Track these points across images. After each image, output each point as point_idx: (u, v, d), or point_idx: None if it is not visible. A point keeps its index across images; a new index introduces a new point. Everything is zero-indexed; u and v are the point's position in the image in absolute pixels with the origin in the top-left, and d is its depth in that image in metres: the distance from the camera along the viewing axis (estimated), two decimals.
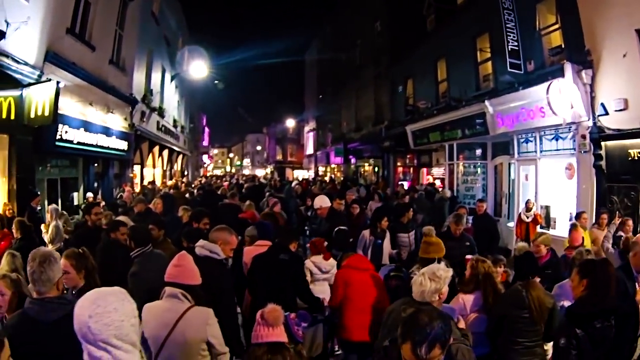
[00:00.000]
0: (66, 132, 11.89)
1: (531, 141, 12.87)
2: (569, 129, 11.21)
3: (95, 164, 15.76)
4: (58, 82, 9.87)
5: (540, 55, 12.29)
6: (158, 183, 23.20)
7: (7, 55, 9.04)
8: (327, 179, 33.97)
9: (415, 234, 8.84)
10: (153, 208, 9.88)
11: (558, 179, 11.86)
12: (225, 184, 25.86)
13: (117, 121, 16.09)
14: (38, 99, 9.68)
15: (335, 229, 8.42)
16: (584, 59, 10.49)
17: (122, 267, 5.14)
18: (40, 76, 10.18)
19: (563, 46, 11.51)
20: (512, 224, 13.46)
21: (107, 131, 14.88)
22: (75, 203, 14.17)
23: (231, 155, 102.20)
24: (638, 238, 6.08)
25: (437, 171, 20.66)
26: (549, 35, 12.25)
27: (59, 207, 10.95)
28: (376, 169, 28.83)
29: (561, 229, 11.10)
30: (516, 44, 12.50)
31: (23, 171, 10.16)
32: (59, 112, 10.54)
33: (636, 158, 9.60)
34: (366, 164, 31.19)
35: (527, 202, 11.56)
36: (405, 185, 21.48)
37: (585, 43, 10.54)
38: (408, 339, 2.49)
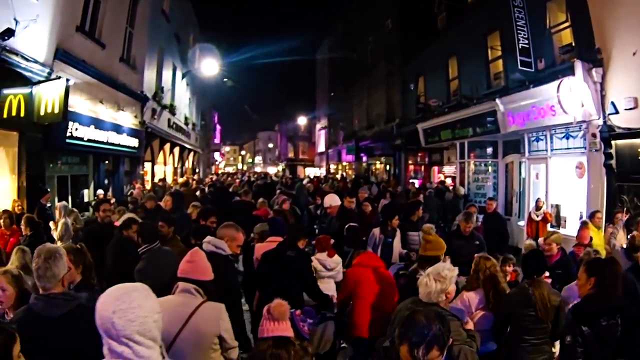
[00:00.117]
0: (76, 129, 11.94)
1: (542, 140, 12.79)
2: (580, 128, 11.14)
3: (106, 162, 15.81)
4: (68, 80, 9.93)
5: (551, 54, 12.21)
6: (169, 180, 23.24)
7: (16, 53, 9.06)
8: (338, 176, 33.89)
9: None
10: (163, 205, 9.86)
11: (568, 177, 11.78)
12: (237, 181, 25.90)
13: (128, 118, 16.15)
14: (48, 97, 9.73)
15: (346, 226, 8.41)
16: (594, 57, 10.39)
17: (134, 264, 5.18)
18: (50, 74, 10.21)
19: (573, 44, 11.44)
20: (522, 223, 13.39)
21: (117, 128, 14.96)
22: (86, 200, 14.22)
23: (243, 152, 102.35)
24: None
25: (449, 169, 20.53)
26: (560, 34, 12.15)
27: (69, 204, 10.98)
28: (387, 167, 28.77)
29: (571, 228, 10.99)
30: (527, 42, 12.41)
31: (33, 168, 10.20)
32: (69, 109, 10.60)
33: None
34: (378, 162, 31.18)
35: (537, 201, 11.53)
36: (417, 183, 21.39)
37: (596, 41, 10.44)
38: (405, 340, 2.47)
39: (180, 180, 23.74)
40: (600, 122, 10.38)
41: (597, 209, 9.63)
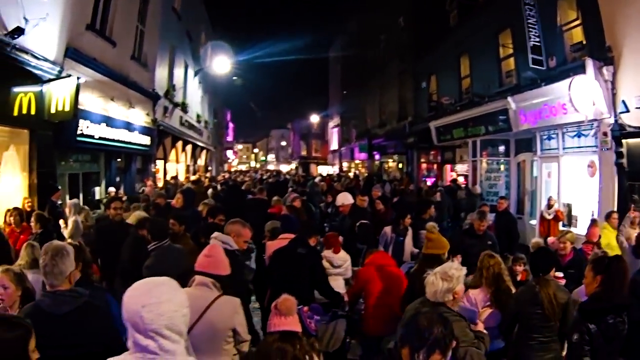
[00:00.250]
0: (87, 127, 11.97)
1: (554, 138, 12.77)
2: (591, 126, 11.08)
3: (118, 159, 15.87)
4: (78, 78, 9.92)
5: (562, 52, 12.16)
6: (181, 178, 23.32)
7: (26, 52, 9.07)
8: (351, 174, 33.87)
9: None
10: (174, 203, 9.88)
11: (580, 176, 11.75)
12: (249, 179, 25.97)
13: (139, 116, 16.18)
14: (58, 95, 9.74)
15: (358, 224, 8.46)
16: (605, 56, 10.33)
17: None
18: (60, 72, 10.22)
19: (584, 42, 11.38)
20: (534, 222, 13.43)
21: (129, 126, 14.99)
22: (97, 198, 14.28)
23: (256, 150, 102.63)
24: None
25: (461, 168, 20.50)
26: (570, 31, 12.10)
27: (81, 202, 11.01)
28: (400, 165, 28.73)
29: (583, 227, 10.86)
30: (538, 39, 12.37)
31: (43, 166, 10.22)
32: (80, 107, 10.65)
33: None
34: (390, 160, 31.15)
35: (549, 200, 11.56)
36: (429, 181, 21.29)
37: (606, 39, 10.38)
38: (406, 343, 2.46)
39: (193, 177, 23.82)
40: (612, 120, 10.31)
41: (609, 208, 9.56)
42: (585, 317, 3.77)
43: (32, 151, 10.00)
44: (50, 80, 9.84)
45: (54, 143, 10.66)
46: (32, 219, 7.66)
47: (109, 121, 13.31)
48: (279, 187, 17.82)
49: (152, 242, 5.41)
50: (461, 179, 19.28)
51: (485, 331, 4.11)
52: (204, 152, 35.45)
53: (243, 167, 79.20)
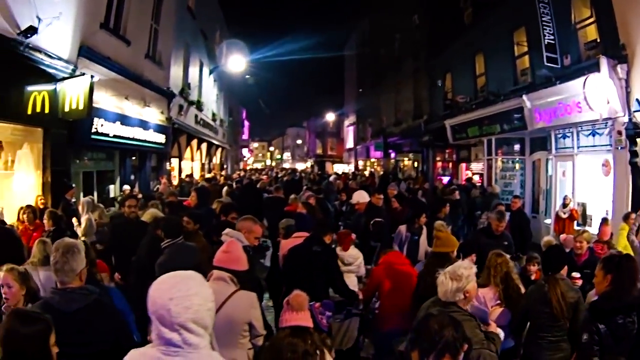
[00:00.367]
0: (102, 125, 12.04)
1: (568, 137, 12.71)
2: (606, 125, 10.97)
3: (133, 157, 15.96)
4: (92, 76, 9.98)
5: (577, 50, 12.06)
6: (197, 176, 23.41)
7: (39, 51, 9.15)
8: (366, 173, 33.80)
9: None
10: (189, 201, 9.96)
11: (595, 175, 11.65)
12: (265, 177, 26.01)
13: (154, 114, 16.26)
14: (72, 93, 9.81)
15: (372, 221, 8.45)
16: (619, 54, 10.21)
17: None
18: (74, 70, 10.30)
19: (598, 40, 11.27)
20: (549, 221, 13.37)
21: (143, 124, 15.06)
22: (112, 195, 14.38)
23: (271, 148, 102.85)
24: None
25: (476, 166, 20.32)
26: (585, 29, 12.00)
27: (95, 200, 11.09)
28: (415, 163, 28.64)
29: (597, 227, 10.80)
30: (552, 37, 12.25)
31: (57, 164, 10.30)
32: (95, 105, 10.70)
33: None
34: (406, 159, 31.07)
35: (565, 198, 11.45)
36: (444, 180, 21.15)
37: (620, 37, 10.27)
38: (416, 346, 2.43)
39: (208, 176, 23.92)
40: (626, 119, 10.18)
41: (623, 207, 9.54)
42: (595, 316, 3.73)
43: (46, 149, 10.08)
44: (64, 78, 9.92)
45: (68, 141, 10.75)
46: (45, 216, 7.71)
47: (123, 119, 13.39)
48: (294, 185, 17.86)
49: (166, 240, 5.44)
50: (476, 178, 19.12)
51: (499, 330, 4.10)
52: (219, 150, 35.58)
53: (258, 166, 79.38)
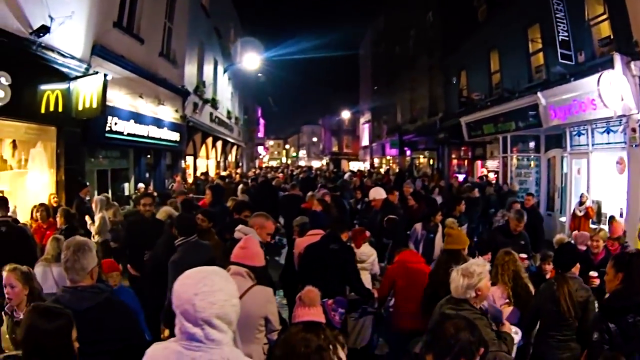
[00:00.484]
0: (116, 123, 12.12)
1: (583, 134, 12.59)
2: (620, 122, 10.89)
3: (148, 155, 16.03)
4: (105, 75, 9.98)
5: (590, 46, 11.97)
6: (212, 174, 23.48)
7: (52, 50, 9.21)
8: (382, 170, 33.70)
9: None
10: (205, 199, 9.93)
11: (609, 173, 11.54)
12: (280, 175, 26.02)
13: (169, 113, 16.33)
14: (86, 92, 9.81)
15: (385, 218, 8.47)
16: (633, 50, 10.10)
17: None
18: (87, 69, 10.36)
19: (612, 37, 11.19)
20: (564, 219, 13.33)
21: (158, 122, 15.13)
22: (126, 193, 14.44)
23: (287, 146, 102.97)
24: None
25: (492, 164, 20.26)
26: (598, 26, 11.90)
27: (110, 198, 11.15)
28: (431, 161, 28.55)
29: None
30: (566, 34, 12.22)
31: (71, 162, 10.37)
32: (108, 104, 10.76)
33: None
34: (421, 156, 30.95)
35: (581, 196, 11.36)
36: (460, 178, 21.00)
37: (633, 34, 10.17)
38: (431, 350, 2.40)
39: (223, 173, 23.97)
40: None
41: (638, 205, 9.54)
42: (605, 315, 3.69)
43: (60, 148, 10.17)
44: (77, 77, 9.96)
45: (82, 140, 10.81)
46: (58, 214, 7.75)
47: (137, 117, 13.47)
48: (309, 183, 17.86)
49: (180, 238, 5.43)
50: (492, 176, 19.09)
51: (514, 328, 4.11)
52: (235, 148, 35.67)
53: (274, 163, 79.53)
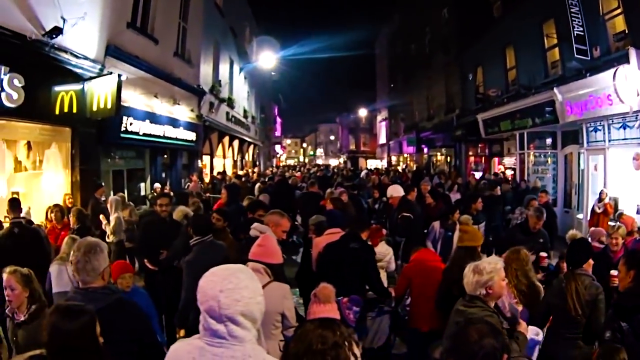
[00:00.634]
0: (131, 123, 12.17)
1: (600, 130, 12.46)
2: (636, 117, 10.78)
3: (164, 155, 16.07)
4: (120, 75, 10.00)
5: (606, 41, 11.87)
6: (229, 173, 23.52)
7: (65, 51, 9.27)
8: (399, 168, 33.58)
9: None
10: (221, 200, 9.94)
11: (626, 169, 11.44)
12: (298, 174, 25.99)
13: (184, 112, 16.37)
14: (100, 92, 9.84)
15: (399, 215, 8.43)
16: None
17: None
18: (101, 70, 10.41)
19: (627, 31, 11.09)
20: (581, 216, 13.25)
21: (173, 122, 15.17)
22: (143, 194, 14.49)
23: (304, 145, 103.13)
24: None
25: (509, 161, 20.13)
26: (613, 20, 11.79)
27: (125, 198, 11.18)
28: (448, 158, 28.42)
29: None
30: (581, 29, 12.12)
31: (86, 163, 10.44)
32: (123, 104, 10.81)
33: None
34: (438, 154, 30.83)
35: (601, 193, 11.22)
36: (477, 175, 20.81)
37: None
38: (453, 356, 2.34)
39: (240, 173, 24.01)
40: None
41: None
42: (617, 313, 3.65)
43: (75, 148, 10.23)
44: (91, 78, 10.01)
45: (97, 140, 10.87)
46: (71, 215, 7.78)
47: (153, 117, 13.51)
48: (326, 181, 17.82)
49: (195, 237, 5.42)
50: (509, 172, 18.93)
51: (535, 329, 4.15)
52: (252, 147, 35.74)
53: (291, 162, 79.68)
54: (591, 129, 12.86)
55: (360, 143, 66.56)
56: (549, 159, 16.39)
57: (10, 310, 3.79)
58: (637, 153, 10.85)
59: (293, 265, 7.65)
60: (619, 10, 11.45)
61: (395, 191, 9.55)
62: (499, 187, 13.29)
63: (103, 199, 10.12)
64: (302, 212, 11.29)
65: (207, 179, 19.87)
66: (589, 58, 12.04)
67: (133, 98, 12.30)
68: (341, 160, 68.93)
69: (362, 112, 60.16)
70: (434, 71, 29.04)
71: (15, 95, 7.76)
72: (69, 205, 9.16)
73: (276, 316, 3.93)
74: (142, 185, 14.86)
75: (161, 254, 6.57)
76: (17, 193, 8.69)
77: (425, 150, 32.69)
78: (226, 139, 25.99)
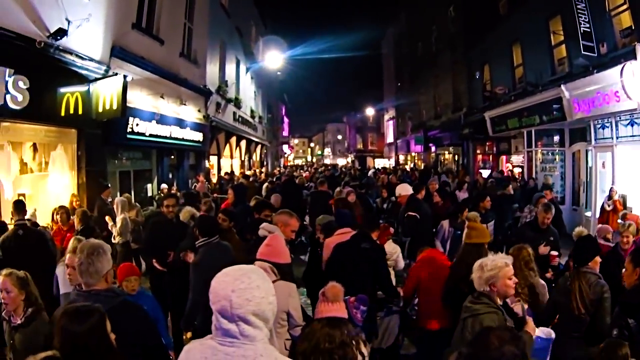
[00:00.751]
0: (137, 124, 12.16)
1: (607, 127, 12.40)
2: None
3: (171, 156, 16.07)
4: (125, 76, 10.01)
5: (612, 37, 11.83)
6: (237, 173, 23.50)
7: (70, 52, 9.28)
8: (407, 167, 33.49)
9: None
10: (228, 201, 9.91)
11: (635, 166, 11.44)
12: (305, 174, 25.93)
13: (191, 113, 16.36)
14: (106, 93, 9.89)
15: (405, 215, 8.35)
16: None
17: None
18: (106, 71, 10.41)
19: (633, 27, 11.06)
20: (589, 214, 13.20)
21: (180, 123, 15.15)
22: (149, 194, 14.49)
23: (312, 144, 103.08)
24: None
25: (516, 159, 20.09)
26: (619, 16, 11.75)
27: (132, 199, 11.16)
28: (456, 157, 28.30)
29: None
30: (588, 25, 12.11)
31: (92, 164, 10.43)
32: (129, 105, 10.79)
33: None
34: (446, 152, 30.75)
35: (610, 190, 11.18)
36: (484, 173, 20.69)
37: None
38: None
39: (248, 173, 23.99)
40: None
41: None
42: (624, 311, 3.62)
43: (80, 150, 10.22)
44: (96, 79, 10.03)
45: (103, 141, 10.86)
46: (76, 216, 7.77)
47: (159, 118, 13.46)
48: (333, 180, 17.79)
49: (201, 239, 5.38)
50: (517, 170, 18.90)
51: (546, 330, 4.09)
52: (259, 147, 35.72)
53: (299, 162, 79.69)
54: (599, 126, 12.79)
55: (368, 142, 66.56)
56: (557, 157, 16.31)
57: (7, 314, 3.77)
58: None
59: (301, 265, 7.62)
60: (625, 6, 11.40)
61: (404, 190, 9.48)
62: (510, 186, 13.22)
63: (109, 200, 10.11)
64: (310, 212, 11.24)
65: (214, 180, 19.86)
66: (595, 55, 12.00)
67: (139, 99, 12.29)
68: (349, 159, 68.86)
69: (370, 112, 60.24)
70: (441, 69, 28.97)
71: (20, 97, 7.78)
72: (76, 207, 9.15)
73: (281, 314, 3.92)
74: (149, 186, 14.86)
75: (168, 255, 6.54)
76: (23, 195, 8.69)
77: (433, 148, 32.64)
78: (233, 139, 25.97)
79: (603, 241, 6.52)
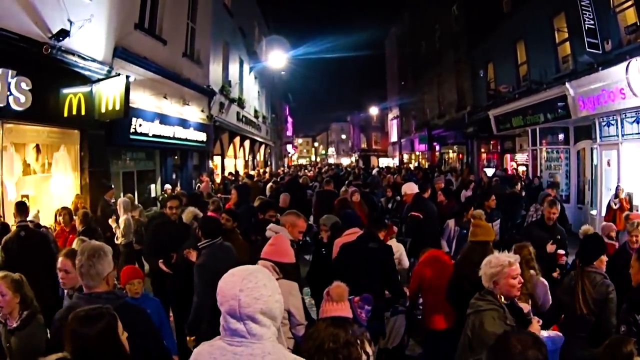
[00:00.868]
0: (140, 125, 12.14)
1: (613, 124, 12.34)
2: None
3: (175, 157, 16.06)
4: (128, 77, 10.00)
5: (617, 34, 11.74)
6: (241, 173, 23.46)
7: (73, 53, 9.28)
8: (411, 166, 33.41)
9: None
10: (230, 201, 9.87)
11: None
12: (310, 173, 25.90)
13: (194, 113, 16.36)
14: (108, 94, 9.86)
15: (408, 214, 8.30)
16: None
17: None
18: (109, 72, 10.41)
19: (638, 24, 10.97)
20: (595, 212, 13.14)
21: (183, 123, 15.13)
22: (153, 195, 14.48)
23: (316, 144, 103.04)
24: None
25: (521, 157, 20.09)
26: (624, 13, 11.67)
27: (136, 200, 11.13)
28: (460, 155, 28.24)
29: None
30: (592, 22, 12.02)
31: (95, 165, 10.42)
32: (132, 105, 10.80)
33: None
34: (450, 151, 30.72)
35: (617, 188, 11.03)
36: (489, 172, 20.63)
37: None
38: None
39: (251, 172, 23.94)
40: None
41: None
42: (632, 307, 3.57)
43: (83, 151, 10.22)
44: (99, 80, 10.02)
45: (106, 142, 10.86)
46: (77, 217, 7.75)
47: (162, 118, 13.48)
48: (337, 180, 17.74)
49: (204, 240, 5.32)
50: (522, 169, 18.86)
51: (553, 333, 4.10)
52: (263, 147, 35.70)
53: (303, 161, 79.67)
54: (604, 123, 12.73)
55: (372, 141, 66.51)
56: (562, 155, 16.23)
57: (3, 317, 3.74)
58: None
59: (306, 265, 7.59)
60: (630, 3, 11.32)
61: (409, 188, 9.37)
62: (519, 185, 13.15)
63: (113, 201, 10.10)
64: (316, 211, 11.20)
65: (218, 180, 19.83)
66: (600, 52, 11.93)
67: (142, 99, 12.29)
68: (353, 159, 68.81)
69: (373, 111, 60.19)
70: (445, 68, 28.94)
71: (22, 99, 7.79)
72: (79, 208, 9.13)
73: (282, 313, 3.87)
74: (153, 186, 14.85)
75: (171, 257, 6.51)
76: (27, 196, 8.69)
77: (437, 147, 32.61)
78: (237, 139, 25.95)
79: (607, 239, 6.44)
